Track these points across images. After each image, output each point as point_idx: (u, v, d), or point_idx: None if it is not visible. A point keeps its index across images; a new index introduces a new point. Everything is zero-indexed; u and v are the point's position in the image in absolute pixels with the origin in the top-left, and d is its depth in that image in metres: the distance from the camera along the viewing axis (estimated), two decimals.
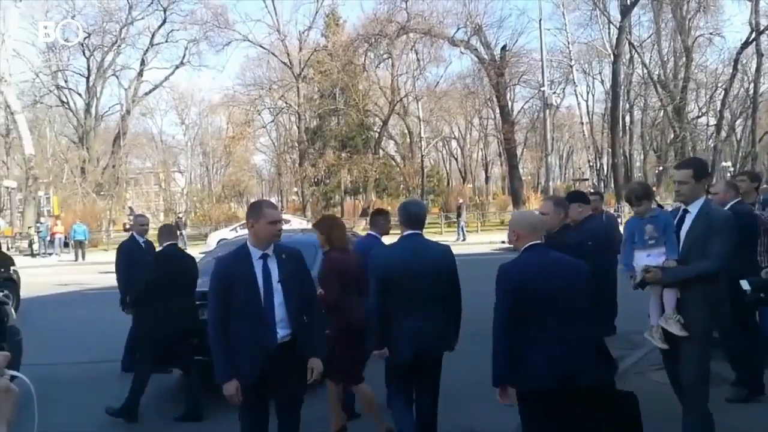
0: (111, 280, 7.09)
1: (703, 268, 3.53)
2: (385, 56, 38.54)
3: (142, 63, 41.17)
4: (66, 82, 42.47)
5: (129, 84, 42.32)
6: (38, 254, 26.57)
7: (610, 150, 45.19)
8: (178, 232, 28.12)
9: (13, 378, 1.28)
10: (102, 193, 38.36)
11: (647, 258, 3.71)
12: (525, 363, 3.01)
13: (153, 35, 40.27)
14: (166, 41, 40.85)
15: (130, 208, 35.07)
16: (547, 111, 31.94)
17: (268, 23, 37.71)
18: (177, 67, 41.49)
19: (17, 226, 34.04)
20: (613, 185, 37.10)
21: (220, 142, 47.36)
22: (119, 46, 40.61)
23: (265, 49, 38.23)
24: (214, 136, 53.34)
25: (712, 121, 47.21)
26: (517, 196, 36.28)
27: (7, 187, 34.74)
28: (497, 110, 44.43)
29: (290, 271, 3.32)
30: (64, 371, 6.78)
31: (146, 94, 44.52)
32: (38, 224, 28.40)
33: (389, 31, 34.72)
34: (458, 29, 36.38)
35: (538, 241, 3.24)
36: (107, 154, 43.35)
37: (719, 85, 44.88)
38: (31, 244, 27.70)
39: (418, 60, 39.20)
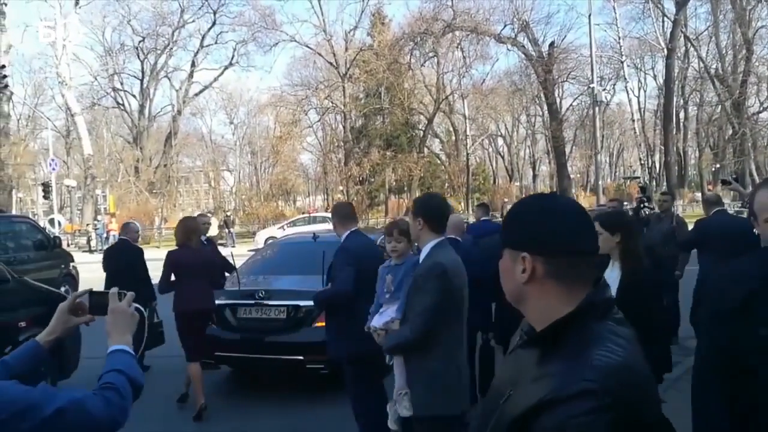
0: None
1: (399, 337, 2.87)
2: (430, 54, 38.37)
3: (193, 64, 42.27)
4: (122, 84, 44.12)
5: (180, 85, 43.51)
6: (95, 250, 27.61)
7: (662, 147, 43.80)
8: (227, 230, 28.92)
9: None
10: (154, 191, 39.55)
11: (379, 316, 3.16)
12: None
13: (203, 37, 41.30)
14: (216, 43, 41.83)
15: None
16: (597, 108, 31.17)
17: (315, 23, 38.12)
18: (226, 67, 42.44)
19: (76, 223, 35.45)
20: (665, 184, 35.87)
21: (267, 142, 48.10)
22: (171, 48, 41.85)
23: (311, 49, 38.66)
24: (261, 136, 54.17)
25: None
26: (565, 194, 35.46)
27: (68, 186, 36.20)
28: (545, 107, 43.63)
29: None
30: None
31: (196, 94, 45.68)
32: (95, 221, 29.49)
33: (435, 29, 34.53)
34: (505, 26, 35.97)
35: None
36: (159, 153, 44.68)
37: None
38: (89, 241, 28.78)
39: (464, 57, 38.87)
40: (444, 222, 3.03)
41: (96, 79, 41.88)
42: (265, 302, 5.95)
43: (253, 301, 5.97)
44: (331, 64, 38.07)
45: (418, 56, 39.16)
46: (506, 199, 32.39)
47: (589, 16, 27.29)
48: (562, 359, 1.05)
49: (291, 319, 5.84)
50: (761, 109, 43.89)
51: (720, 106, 41.75)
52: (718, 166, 47.20)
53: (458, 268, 2.87)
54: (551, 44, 36.96)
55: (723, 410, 1.67)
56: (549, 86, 35.76)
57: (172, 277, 5.51)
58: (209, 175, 57.59)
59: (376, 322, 3.10)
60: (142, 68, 42.32)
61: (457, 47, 37.77)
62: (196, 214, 8.65)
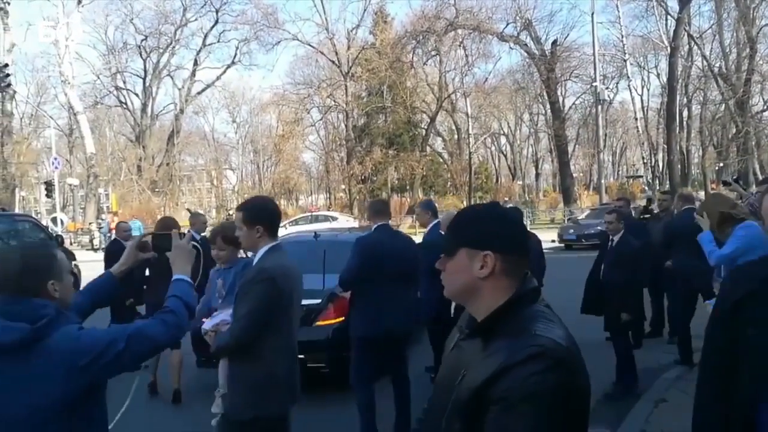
0: None
1: (221, 341, 2.85)
2: (432, 53, 38.32)
3: (195, 63, 42.38)
4: (124, 83, 44.19)
5: (183, 84, 43.58)
6: (98, 249, 27.67)
7: (665, 146, 43.68)
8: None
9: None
10: (157, 190, 39.62)
11: (211, 319, 3.11)
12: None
13: (206, 36, 41.37)
14: (218, 41, 41.90)
15: (188, 210, 35.81)
16: (600, 106, 31.08)
17: (317, 22, 38.13)
18: (228, 66, 42.52)
19: (78, 221, 35.52)
20: (668, 183, 35.77)
21: (270, 140, 48.11)
22: (174, 47, 41.93)
23: (313, 47, 38.67)
24: (264, 134, 54.23)
25: None
26: (568, 193, 35.46)
27: (71, 185, 36.29)
28: (548, 106, 43.45)
29: None
30: None
31: (199, 93, 45.75)
32: (100, 220, 29.56)
33: (437, 28, 34.49)
34: (507, 24, 35.86)
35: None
36: (162, 152, 44.76)
37: None
38: (92, 239, 28.84)
39: (466, 56, 38.80)
40: (277, 226, 2.98)
41: (98, 77, 42.02)
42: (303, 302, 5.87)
43: None
44: (333, 62, 38.08)
45: (421, 54, 39.14)
46: (507, 198, 32.39)
47: (592, 14, 27.28)
48: (507, 336, 1.24)
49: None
50: (765, 107, 43.81)
51: (723, 105, 41.63)
52: (721, 164, 47.08)
53: (287, 272, 2.81)
54: (554, 43, 36.87)
55: (719, 410, 1.70)
56: (552, 85, 35.66)
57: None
58: (212, 174, 57.67)
59: (207, 324, 3.04)
60: (145, 67, 42.44)
61: (460, 45, 37.69)
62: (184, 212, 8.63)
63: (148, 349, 1.99)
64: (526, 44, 36.09)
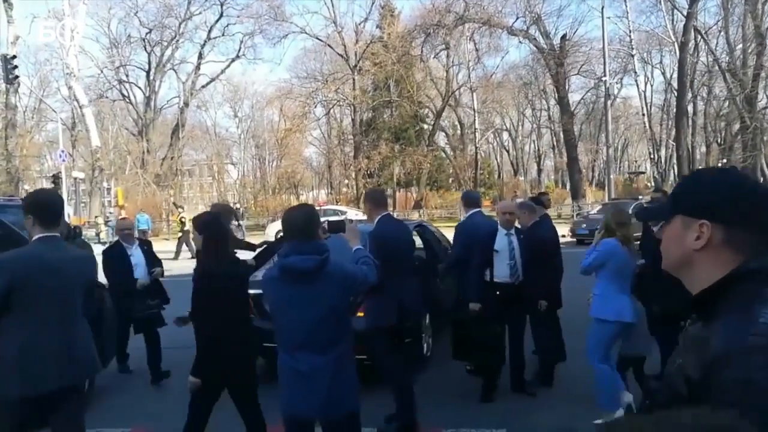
0: (177, 267, 7.13)
1: None
2: (441, 47, 38.12)
3: (200, 57, 42.04)
4: (127, 76, 43.80)
5: (187, 77, 43.29)
6: (105, 242, 27.50)
7: (672, 142, 43.53)
8: (237, 222, 28.77)
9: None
10: (161, 184, 39.40)
11: None
12: None
13: (210, 29, 41.04)
14: (223, 35, 41.55)
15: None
16: (608, 102, 30.91)
17: (325, 15, 37.89)
18: (233, 60, 42.23)
19: (83, 215, 35.32)
20: (675, 178, 35.68)
21: (272, 135, 47.87)
22: (178, 40, 41.59)
23: (321, 41, 38.40)
24: (266, 129, 54.02)
25: None
26: (576, 188, 35.36)
27: (75, 178, 36.08)
28: (552, 101, 43.30)
29: None
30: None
31: (203, 87, 45.44)
32: (108, 213, 29.38)
33: (447, 21, 34.27)
34: (517, 18, 35.67)
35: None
36: (165, 146, 44.47)
37: None
38: (98, 233, 28.68)
39: (476, 50, 38.62)
40: (51, 217, 3.07)
41: (102, 71, 41.71)
42: None
43: None
44: (341, 56, 37.86)
45: (429, 49, 38.93)
46: (516, 192, 32.21)
47: (602, 8, 27.10)
48: (724, 319, 1.08)
49: None
50: None
51: (728, 101, 41.44)
52: (725, 161, 46.97)
53: (27, 261, 2.94)
54: (563, 37, 36.70)
55: None
56: (561, 80, 35.49)
57: None
58: (213, 168, 57.50)
59: None
60: (149, 60, 42.10)
61: (470, 39, 37.50)
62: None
63: (371, 281, 3.09)
64: (535, 39, 35.91)
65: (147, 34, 40.75)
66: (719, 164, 46.47)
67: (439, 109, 39.42)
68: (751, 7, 36.42)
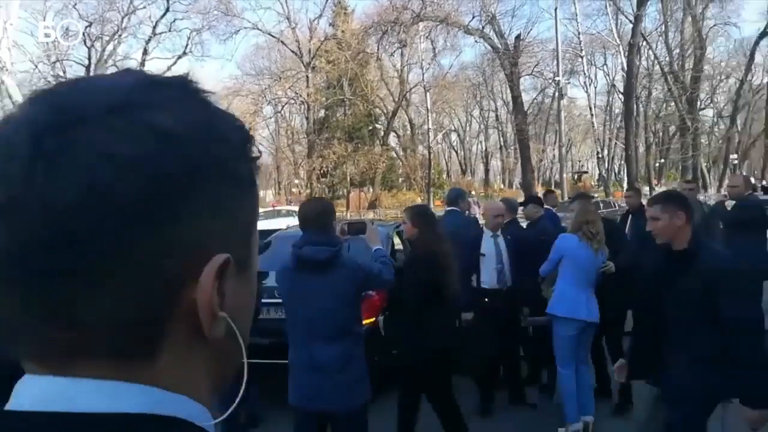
0: None
1: None
2: (396, 45, 37.98)
3: (144, 53, 40.39)
4: (64, 72, 41.60)
5: None
6: None
7: (617, 142, 44.99)
8: None
9: None
10: None
11: None
12: None
13: (155, 25, 39.48)
14: (169, 31, 40.06)
15: None
16: (554, 102, 31.52)
17: (278, 11, 37.09)
18: (179, 57, 40.63)
19: None
20: (626, 177, 36.82)
21: None
22: (120, 35, 39.82)
23: (274, 37, 37.54)
24: None
25: (711, 113, 47.45)
26: (529, 188, 35.89)
27: None
28: (499, 102, 43.93)
29: None
30: None
31: None
32: None
33: (404, 19, 34.13)
34: (473, 17, 35.91)
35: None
36: None
37: (722, 77, 44.89)
38: None
39: (433, 48, 38.69)
40: None
41: (37, 66, 39.45)
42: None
43: (273, 300, 5.36)
44: (294, 53, 37.13)
45: (385, 46, 38.71)
46: (472, 192, 32.35)
47: (555, 9, 27.55)
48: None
49: None
50: (703, 106, 45.73)
51: (667, 103, 43.23)
52: (662, 160, 48.97)
53: None
54: (517, 37, 37.23)
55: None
56: (515, 79, 35.96)
57: None
58: None
59: None
60: (89, 56, 40.12)
61: (427, 38, 37.54)
62: None
63: (385, 278, 3.07)
64: (490, 38, 36.26)
65: (87, 27, 38.80)
66: (656, 165, 48.47)
67: (394, 107, 39.25)
68: (691, 12, 38.07)
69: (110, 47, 40.25)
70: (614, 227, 5.59)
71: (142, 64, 40.65)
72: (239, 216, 0.46)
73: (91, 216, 0.38)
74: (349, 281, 2.92)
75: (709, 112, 47.99)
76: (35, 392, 0.40)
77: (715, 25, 40.49)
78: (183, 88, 0.46)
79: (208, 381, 0.47)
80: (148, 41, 39.87)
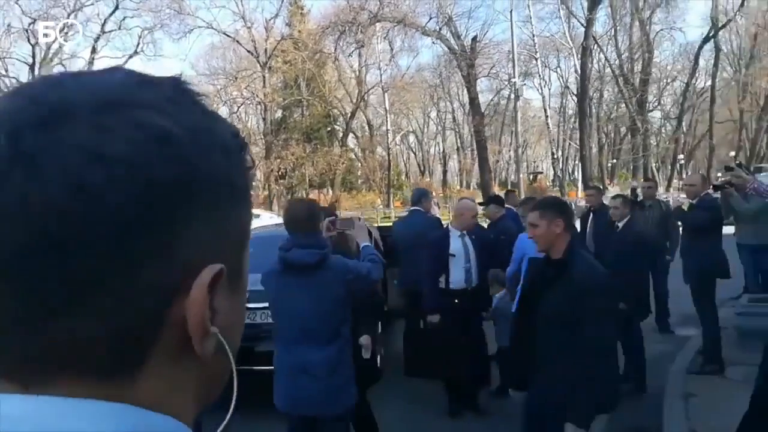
0: None
1: None
2: (354, 46, 37.81)
3: (93, 51, 39.06)
4: (6, 71, 39.95)
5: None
6: None
7: (569, 143, 46.01)
8: None
9: None
10: None
11: None
12: None
13: (104, 22, 38.25)
14: (119, 29, 38.86)
15: None
16: (509, 103, 32.00)
17: (234, 10, 36.39)
18: (130, 56, 39.45)
19: None
20: (581, 177, 37.59)
21: None
22: (66, 33, 38.30)
23: (229, 36, 36.82)
24: None
25: (659, 115, 49.22)
26: (487, 188, 36.28)
27: None
28: (456, 103, 44.28)
29: None
30: None
31: None
32: None
33: (362, 19, 33.98)
34: (430, 18, 36.01)
35: None
36: None
37: (669, 80, 46.57)
38: None
39: (391, 49, 38.68)
40: None
41: None
42: (250, 305, 5.15)
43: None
44: (250, 53, 36.52)
45: (343, 46, 38.52)
46: (434, 194, 32.58)
47: (511, 12, 27.89)
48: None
49: None
50: (651, 108, 47.30)
51: (617, 105, 44.55)
52: (614, 161, 50.37)
53: None
54: (474, 39, 37.55)
55: None
56: (472, 81, 36.27)
57: None
58: None
59: None
60: (33, 53, 38.56)
61: (384, 39, 37.51)
62: None
63: (373, 278, 3.04)
64: (447, 39, 36.46)
65: (31, 24, 37.27)
66: (608, 165, 49.84)
67: (352, 108, 39.10)
68: (636, 16, 39.29)
69: (56, 45, 38.75)
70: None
71: (91, 63, 39.32)
72: (234, 227, 0.44)
73: (77, 221, 0.35)
74: (339, 283, 2.91)
75: (657, 114, 49.65)
76: (5, 412, 0.36)
77: (661, 30, 41.92)
78: (176, 89, 0.42)
79: (192, 398, 0.44)
80: (96, 39, 38.59)
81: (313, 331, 2.86)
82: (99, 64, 40.73)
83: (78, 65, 40.07)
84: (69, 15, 37.34)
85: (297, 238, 2.89)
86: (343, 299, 2.95)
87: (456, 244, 4.87)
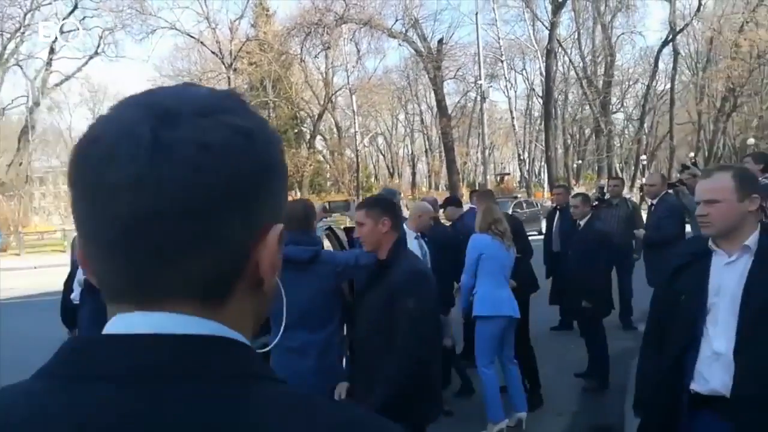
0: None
1: None
2: (321, 48, 37.66)
3: (51, 52, 37.93)
4: None
5: (35, 75, 38.90)
6: None
7: (535, 145, 46.68)
8: None
9: None
10: (6, 193, 35.00)
11: None
12: None
13: (63, 22, 37.16)
14: (78, 29, 37.81)
15: None
16: (477, 105, 32.29)
17: (198, 11, 35.85)
18: (91, 57, 38.54)
19: None
20: (547, 178, 38.12)
21: None
22: (23, 33, 37.21)
23: (193, 38, 36.27)
24: None
25: (622, 117, 50.40)
26: (455, 189, 36.51)
27: None
28: (423, 105, 44.49)
29: None
30: None
31: (57, 85, 41.14)
32: None
33: (328, 21, 33.84)
34: (396, 21, 36.10)
35: None
36: (10, 151, 39.66)
37: (630, 83, 47.72)
38: None
39: (358, 51, 38.60)
40: None
41: None
42: None
43: None
44: (215, 54, 36.02)
45: (309, 48, 38.31)
46: (401, 194, 32.68)
47: (476, 14, 28.16)
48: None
49: None
50: (614, 110, 48.39)
51: (581, 107, 45.40)
52: (580, 161, 51.31)
53: None
54: (440, 41, 37.76)
55: (656, 358, 2.21)
56: (438, 83, 36.46)
57: None
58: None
59: None
60: None
61: (351, 40, 37.44)
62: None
63: (361, 264, 3.06)
64: (414, 42, 36.60)
65: None
66: (573, 165, 50.78)
67: (319, 110, 38.90)
68: (599, 20, 40.10)
69: (12, 45, 37.59)
70: (518, 224, 5.63)
71: (49, 63, 38.28)
72: (285, 198, 0.60)
73: (197, 192, 0.50)
74: (331, 275, 3.12)
75: (620, 116, 50.78)
76: (130, 322, 0.53)
77: (622, 34, 42.89)
78: (239, 99, 0.57)
79: (251, 325, 0.60)
80: (55, 39, 37.47)
81: (304, 318, 3.02)
82: (57, 66, 39.81)
83: (36, 66, 39.03)
84: (26, 15, 36.31)
85: (293, 235, 3.02)
86: (334, 290, 3.19)
87: (411, 246, 4.81)
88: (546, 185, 36.31)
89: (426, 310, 2.55)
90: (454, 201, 6.65)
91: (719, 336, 1.96)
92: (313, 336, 3.04)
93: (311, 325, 3.04)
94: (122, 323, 0.54)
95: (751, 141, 39.92)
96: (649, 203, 5.90)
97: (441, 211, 6.39)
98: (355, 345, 2.91)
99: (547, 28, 37.30)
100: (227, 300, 0.55)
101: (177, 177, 0.50)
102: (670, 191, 5.78)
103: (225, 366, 0.53)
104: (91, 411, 0.49)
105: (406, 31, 36.23)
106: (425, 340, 2.52)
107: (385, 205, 2.81)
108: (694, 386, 2.01)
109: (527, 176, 40.66)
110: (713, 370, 1.97)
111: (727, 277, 1.98)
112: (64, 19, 36.82)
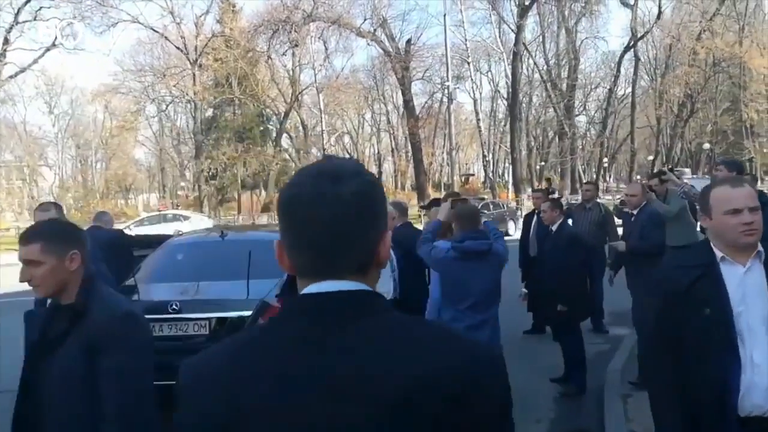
0: None
1: None
2: (288, 45, 37.23)
3: (5, 42, 36.49)
4: None
5: None
6: None
7: (500, 146, 47.23)
8: None
9: None
10: None
11: None
12: None
13: (17, 12, 35.80)
14: (34, 20, 36.47)
15: None
16: (442, 106, 32.46)
17: (161, 5, 34.98)
18: (48, 49, 37.14)
19: None
20: (511, 179, 38.56)
21: (96, 134, 43.35)
22: None
23: (157, 32, 35.38)
24: (89, 128, 48.88)
25: (584, 120, 51.49)
26: (422, 190, 36.67)
27: None
28: (390, 105, 44.46)
29: None
30: None
31: (10, 78, 39.60)
32: None
33: (296, 19, 33.45)
34: (365, 20, 35.95)
35: None
36: None
37: (593, 87, 48.77)
38: None
39: (326, 50, 38.31)
40: None
41: None
42: (182, 316, 4.82)
43: (165, 316, 4.80)
44: (179, 49, 35.23)
45: (276, 45, 37.83)
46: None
47: (444, 16, 28.25)
48: None
49: (216, 333, 4.81)
50: (577, 113, 49.32)
51: (546, 110, 46.18)
52: (543, 163, 52.16)
53: None
54: (408, 41, 37.80)
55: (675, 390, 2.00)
56: (406, 83, 36.50)
57: None
58: (24, 171, 50.81)
59: None
60: None
61: (319, 39, 37.13)
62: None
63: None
64: (382, 41, 36.52)
65: None
66: (537, 167, 51.62)
67: (286, 108, 38.48)
68: (563, 25, 40.80)
69: None
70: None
71: (3, 54, 36.81)
72: (387, 215, 0.99)
73: (359, 213, 0.88)
74: (499, 265, 3.73)
75: (583, 119, 51.78)
76: (321, 286, 0.90)
77: (586, 38, 43.72)
78: (362, 165, 0.97)
79: (375, 286, 0.96)
80: (9, 30, 36.06)
81: (485, 299, 3.69)
82: (12, 57, 38.29)
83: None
84: None
85: (469, 233, 3.60)
86: (500, 277, 3.86)
87: None
88: (510, 186, 36.72)
89: (138, 363, 1.86)
90: (437, 203, 6.52)
91: (757, 346, 1.93)
92: (486, 315, 3.75)
93: (487, 304, 3.77)
94: (316, 288, 0.90)
95: (707, 146, 41.31)
96: (629, 212, 5.91)
97: (425, 211, 6.34)
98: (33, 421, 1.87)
99: (513, 30, 37.72)
100: (367, 273, 0.93)
101: (345, 212, 0.87)
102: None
103: (376, 304, 0.92)
104: (294, 334, 0.88)
105: (375, 30, 36.16)
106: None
107: (72, 234, 1.93)
108: (742, 402, 1.93)
109: (492, 177, 41.05)
110: (755, 383, 1.92)
111: (749, 284, 1.95)
112: (19, 8, 35.57)
